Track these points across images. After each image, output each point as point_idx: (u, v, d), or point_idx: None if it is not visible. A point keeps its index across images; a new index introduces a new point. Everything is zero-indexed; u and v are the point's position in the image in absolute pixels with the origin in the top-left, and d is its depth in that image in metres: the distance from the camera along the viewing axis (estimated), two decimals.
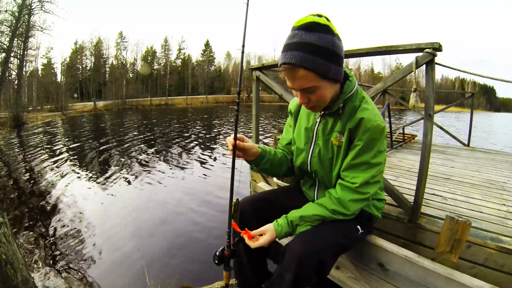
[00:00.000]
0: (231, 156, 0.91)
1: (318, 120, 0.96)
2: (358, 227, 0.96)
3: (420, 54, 1.33)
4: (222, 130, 10.94)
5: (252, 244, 0.86)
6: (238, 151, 0.91)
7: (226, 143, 0.93)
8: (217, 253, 0.90)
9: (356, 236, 0.95)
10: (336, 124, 0.91)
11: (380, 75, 52.69)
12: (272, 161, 1.03)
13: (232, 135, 0.90)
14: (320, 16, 0.74)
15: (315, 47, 0.71)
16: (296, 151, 1.06)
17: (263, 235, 0.87)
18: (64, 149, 7.15)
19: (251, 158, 0.97)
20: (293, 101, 1.08)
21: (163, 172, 4.84)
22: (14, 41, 17.15)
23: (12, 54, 16.99)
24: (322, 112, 0.94)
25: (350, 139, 0.89)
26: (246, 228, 0.89)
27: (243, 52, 0.90)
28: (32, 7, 17.78)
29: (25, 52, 18.39)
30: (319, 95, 0.80)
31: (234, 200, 0.93)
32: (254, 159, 0.98)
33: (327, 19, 0.75)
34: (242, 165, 0.99)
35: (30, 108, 20.62)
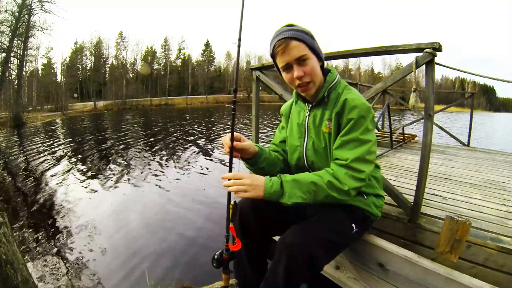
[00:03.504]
0: (229, 157, 0.90)
1: (307, 114, 1.01)
2: (353, 225, 0.95)
3: (420, 54, 1.33)
4: (221, 130, 10.94)
5: (235, 193, 0.82)
6: (235, 151, 0.92)
7: (222, 144, 0.93)
8: (216, 256, 0.90)
9: (350, 234, 0.95)
10: (324, 113, 0.96)
11: (380, 75, 52.67)
12: (268, 160, 1.04)
13: (228, 135, 0.90)
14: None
15: (298, 29, 0.88)
16: (290, 148, 1.08)
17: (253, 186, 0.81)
18: (64, 149, 7.15)
19: (249, 156, 0.98)
20: (285, 105, 1.17)
21: (163, 173, 4.84)
22: (14, 41, 17.17)
23: (12, 54, 17.01)
24: (310, 106, 1.00)
25: (338, 123, 0.92)
26: (239, 240, 0.89)
27: (239, 46, 0.90)
28: (32, 7, 17.81)
29: (25, 52, 18.43)
30: (311, 67, 0.89)
31: (232, 203, 0.92)
32: (251, 157, 0.99)
33: None
34: (240, 166, 0.99)
35: (30, 108, 20.64)
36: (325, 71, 0.98)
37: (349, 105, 0.88)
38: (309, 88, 0.93)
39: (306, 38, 0.87)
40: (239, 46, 0.90)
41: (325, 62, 0.98)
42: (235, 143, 0.90)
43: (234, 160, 0.91)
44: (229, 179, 0.84)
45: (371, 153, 0.88)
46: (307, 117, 1.01)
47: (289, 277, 0.80)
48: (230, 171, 0.89)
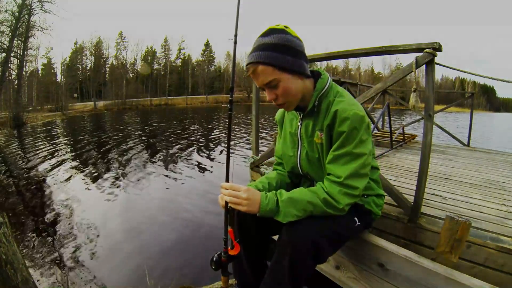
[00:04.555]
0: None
1: (299, 123, 0.99)
2: (355, 219, 0.96)
3: (420, 54, 1.33)
4: (220, 130, 10.94)
5: (229, 204, 0.84)
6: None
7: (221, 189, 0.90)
8: (214, 259, 0.89)
9: (353, 227, 0.95)
10: (316, 123, 0.93)
11: (380, 75, 52.66)
12: (276, 187, 1.06)
13: (220, 196, 0.89)
14: (278, 25, 0.83)
15: (269, 45, 0.79)
16: (285, 157, 1.08)
17: (248, 200, 0.81)
18: (64, 149, 7.15)
19: None
20: (278, 112, 1.13)
21: (163, 174, 4.84)
22: (14, 41, 17.12)
23: (12, 54, 16.97)
24: (302, 114, 0.97)
25: (330, 136, 0.89)
26: (237, 242, 0.89)
27: (235, 42, 0.87)
28: (32, 7, 17.77)
29: (25, 52, 18.37)
30: (283, 89, 0.84)
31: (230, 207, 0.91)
32: None
33: (285, 27, 0.84)
34: (243, 166, 0.99)
35: (30, 108, 20.57)
36: (316, 75, 0.93)
37: (340, 117, 0.83)
38: (286, 106, 0.90)
39: (275, 60, 0.79)
40: (235, 43, 0.87)
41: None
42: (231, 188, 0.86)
43: (231, 164, 0.91)
44: (227, 189, 0.84)
45: (365, 167, 0.86)
46: (299, 126, 0.99)
47: (294, 267, 0.79)
48: (227, 180, 0.89)
